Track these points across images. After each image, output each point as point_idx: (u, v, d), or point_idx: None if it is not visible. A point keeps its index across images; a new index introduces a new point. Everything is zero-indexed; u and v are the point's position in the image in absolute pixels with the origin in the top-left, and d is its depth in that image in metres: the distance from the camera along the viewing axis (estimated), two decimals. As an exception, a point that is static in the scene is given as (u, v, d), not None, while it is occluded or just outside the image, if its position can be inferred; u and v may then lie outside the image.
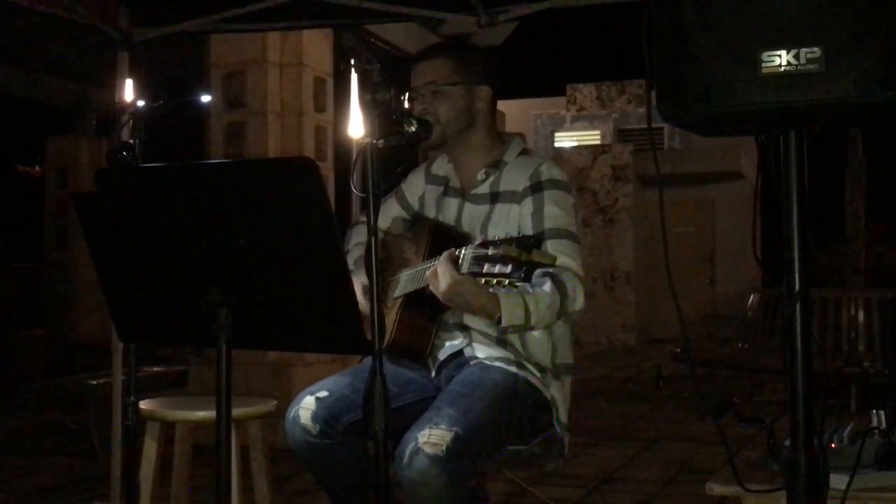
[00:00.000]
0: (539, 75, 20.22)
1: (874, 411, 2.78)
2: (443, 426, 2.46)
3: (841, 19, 1.89)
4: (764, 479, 2.64)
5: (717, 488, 2.75)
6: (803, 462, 2.07)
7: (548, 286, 2.55)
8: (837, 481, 2.37)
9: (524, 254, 2.18)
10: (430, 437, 2.43)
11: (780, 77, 1.92)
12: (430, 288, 2.46)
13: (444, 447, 2.42)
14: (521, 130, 17.99)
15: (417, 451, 2.42)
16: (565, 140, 18.25)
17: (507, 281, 2.20)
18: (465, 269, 2.34)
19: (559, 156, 16.53)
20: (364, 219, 3.03)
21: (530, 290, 2.52)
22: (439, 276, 2.41)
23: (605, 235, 15.67)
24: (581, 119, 18.39)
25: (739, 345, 8.64)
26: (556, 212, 2.71)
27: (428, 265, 2.60)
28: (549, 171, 2.78)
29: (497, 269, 2.19)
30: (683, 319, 2.43)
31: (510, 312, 2.49)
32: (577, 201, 2.80)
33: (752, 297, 8.79)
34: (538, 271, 2.32)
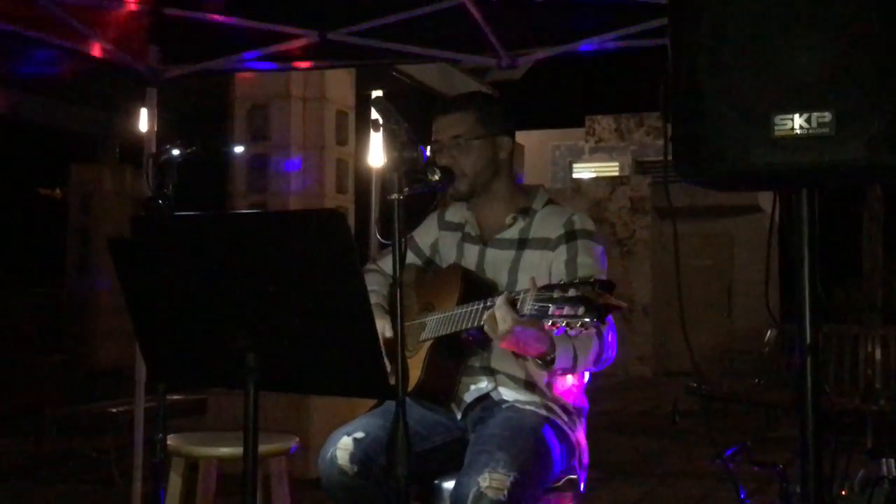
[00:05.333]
0: (558, 107, 20.22)
1: (884, 460, 2.82)
2: (501, 470, 2.49)
3: (851, 86, 1.96)
4: (776, 524, 2.68)
5: (729, 532, 2.78)
6: (814, 511, 2.12)
7: (591, 332, 2.58)
8: (848, 529, 2.41)
9: (603, 295, 2.20)
10: (492, 482, 2.46)
11: (792, 139, 2.00)
12: (486, 329, 2.48)
13: (505, 492, 2.45)
14: (539, 161, 18.05)
15: (481, 495, 2.45)
16: (584, 171, 18.28)
17: (578, 322, 2.22)
18: (524, 312, 2.37)
19: (577, 187, 16.58)
20: (374, 267, 3.12)
21: (573, 335, 2.52)
22: (499, 318, 2.42)
23: (623, 267, 15.67)
24: (599, 150, 18.40)
25: (755, 380, 8.65)
26: (588, 261, 2.79)
27: (465, 309, 2.65)
28: (581, 222, 2.86)
29: (566, 310, 2.22)
30: (695, 354, 2.49)
31: (563, 356, 2.54)
32: (606, 247, 2.89)
33: (769, 332, 8.80)
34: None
